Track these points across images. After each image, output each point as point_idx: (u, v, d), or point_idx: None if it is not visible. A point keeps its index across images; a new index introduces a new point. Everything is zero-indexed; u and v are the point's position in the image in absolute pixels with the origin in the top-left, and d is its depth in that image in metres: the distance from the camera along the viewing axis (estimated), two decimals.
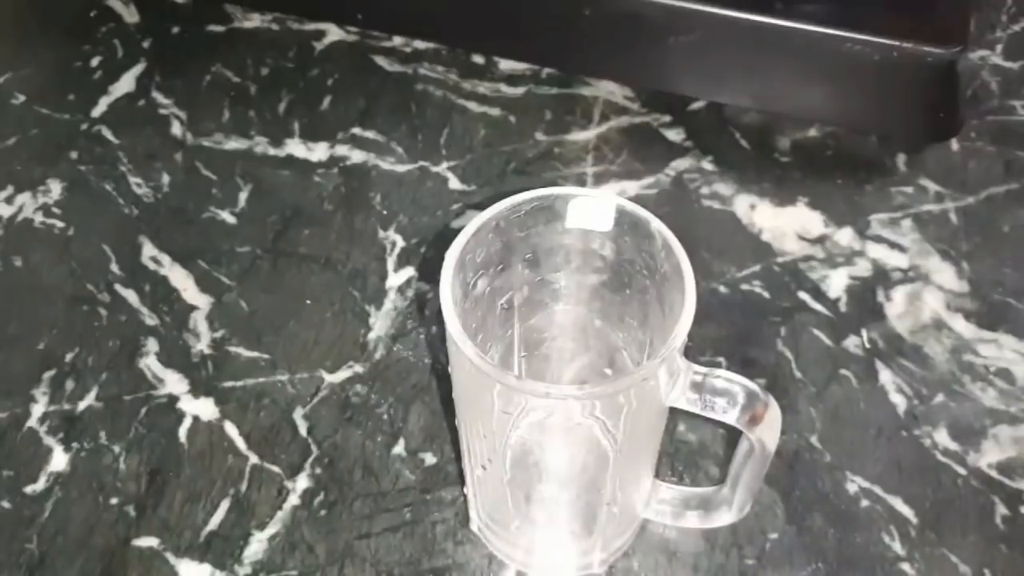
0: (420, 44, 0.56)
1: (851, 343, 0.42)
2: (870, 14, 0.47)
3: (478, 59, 0.55)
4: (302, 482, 0.39)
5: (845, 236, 0.46)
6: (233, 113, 0.53)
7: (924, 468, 0.39)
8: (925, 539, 0.37)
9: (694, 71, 0.51)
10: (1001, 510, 0.37)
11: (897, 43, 0.46)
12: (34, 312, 0.44)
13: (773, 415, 0.30)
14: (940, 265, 0.45)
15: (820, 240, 0.46)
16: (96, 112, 0.53)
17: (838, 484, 0.38)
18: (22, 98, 0.54)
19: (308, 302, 0.44)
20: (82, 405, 0.41)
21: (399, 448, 0.40)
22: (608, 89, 0.53)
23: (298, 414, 0.41)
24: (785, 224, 0.47)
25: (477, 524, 0.37)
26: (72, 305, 0.44)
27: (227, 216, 0.48)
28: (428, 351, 0.42)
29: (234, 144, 0.51)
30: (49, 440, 0.40)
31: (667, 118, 0.52)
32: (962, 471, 0.39)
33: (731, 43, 0.49)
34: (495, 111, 0.52)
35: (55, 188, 0.49)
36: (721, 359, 0.42)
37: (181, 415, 0.41)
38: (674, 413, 0.31)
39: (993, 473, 0.38)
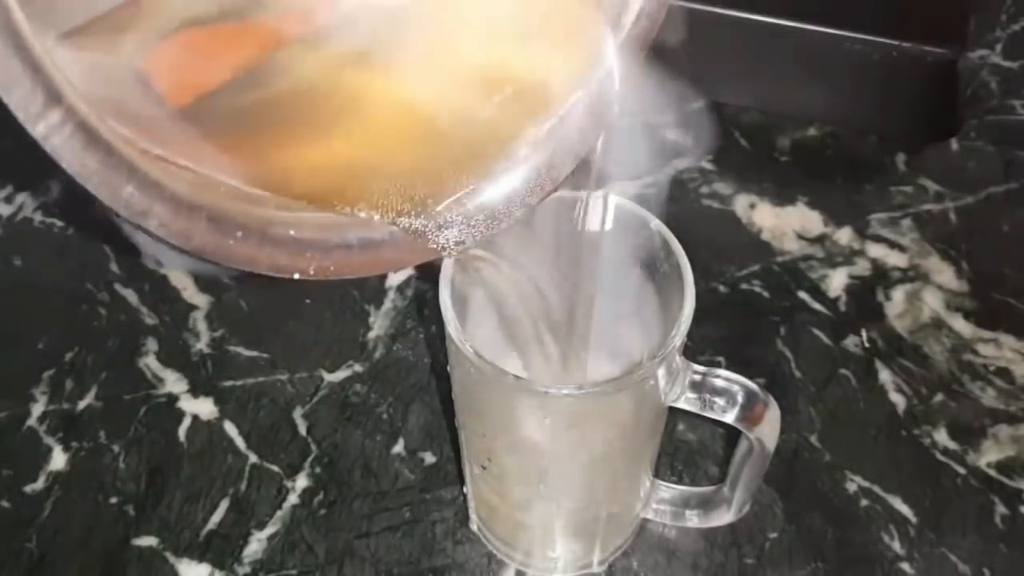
0: None
1: (850, 342, 0.42)
2: (870, 14, 0.47)
3: None
4: (301, 481, 0.39)
5: (845, 235, 0.46)
6: None
7: (923, 467, 0.39)
8: (924, 538, 0.37)
9: (694, 71, 0.51)
10: (1000, 509, 0.37)
11: (897, 43, 0.46)
12: (34, 312, 0.44)
13: (772, 414, 0.30)
14: (940, 265, 0.45)
15: (820, 239, 0.46)
16: None
17: (837, 483, 0.38)
18: None
19: (307, 301, 0.44)
20: (82, 404, 0.41)
21: (399, 447, 0.40)
22: None
23: (297, 413, 0.41)
24: (785, 224, 0.47)
25: (476, 523, 0.37)
26: (72, 305, 0.44)
27: None
28: (428, 351, 0.42)
29: None
30: (49, 439, 0.40)
31: (667, 118, 0.52)
32: (961, 470, 0.39)
33: (731, 43, 0.49)
34: None
35: (55, 187, 0.49)
36: (721, 359, 0.42)
37: (180, 414, 0.41)
38: (674, 413, 0.31)
39: (992, 472, 0.38)
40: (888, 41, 0.46)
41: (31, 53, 0.17)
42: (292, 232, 0.22)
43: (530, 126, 0.25)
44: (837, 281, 0.45)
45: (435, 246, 0.24)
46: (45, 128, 0.17)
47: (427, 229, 0.24)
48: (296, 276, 0.22)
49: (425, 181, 0.24)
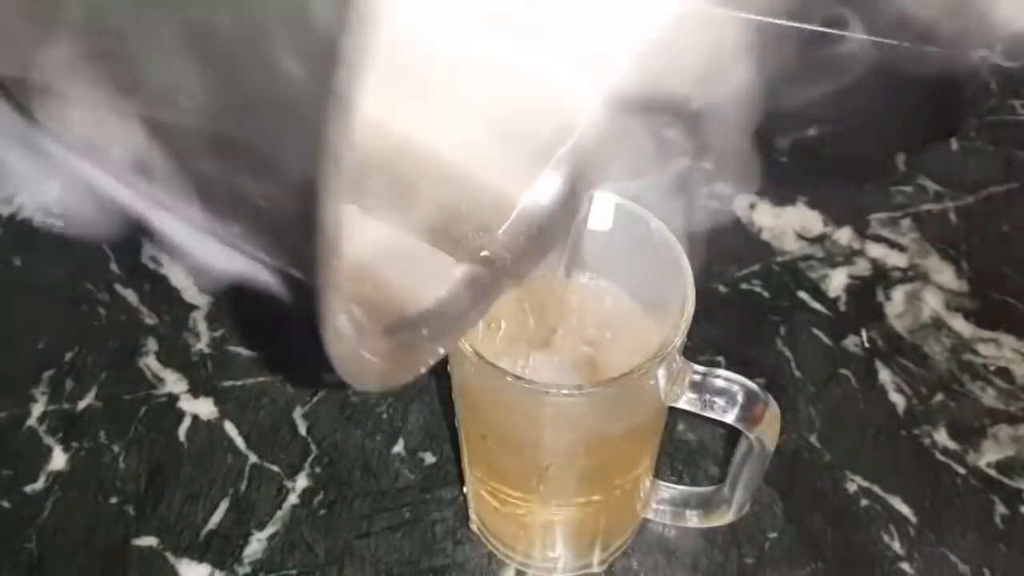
0: None
1: (850, 342, 0.42)
2: (870, 14, 0.47)
3: None
4: (301, 481, 0.39)
5: (844, 235, 0.46)
6: None
7: (923, 467, 0.39)
8: (924, 538, 0.37)
9: (695, 71, 0.51)
10: (1000, 509, 0.37)
11: (897, 43, 0.46)
12: (34, 312, 0.44)
13: (772, 414, 0.30)
14: (940, 264, 0.45)
15: (820, 239, 0.46)
16: None
17: (837, 483, 0.38)
18: None
19: None
20: (82, 404, 0.41)
21: (398, 447, 0.40)
22: None
23: (297, 413, 0.41)
24: (785, 223, 0.47)
25: (476, 523, 0.37)
26: (72, 305, 0.44)
27: None
28: None
29: None
30: (49, 440, 0.40)
31: (667, 118, 0.52)
32: (961, 470, 0.39)
33: (731, 43, 0.49)
34: None
35: (55, 187, 0.49)
36: (720, 358, 0.42)
37: (180, 414, 0.41)
38: (674, 413, 0.31)
39: (992, 472, 0.38)
40: (888, 41, 0.46)
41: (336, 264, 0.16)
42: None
43: (557, 152, 0.25)
44: (837, 281, 0.45)
45: (509, 277, 0.24)
46: (333, 335, 0.16)
47: (506, 261, 0.24)
48: (431, 362, 0.22)
49: (488, 218, 0.24)
